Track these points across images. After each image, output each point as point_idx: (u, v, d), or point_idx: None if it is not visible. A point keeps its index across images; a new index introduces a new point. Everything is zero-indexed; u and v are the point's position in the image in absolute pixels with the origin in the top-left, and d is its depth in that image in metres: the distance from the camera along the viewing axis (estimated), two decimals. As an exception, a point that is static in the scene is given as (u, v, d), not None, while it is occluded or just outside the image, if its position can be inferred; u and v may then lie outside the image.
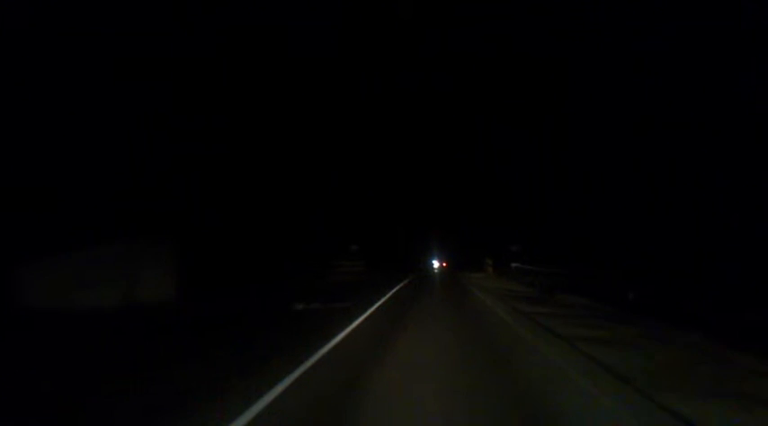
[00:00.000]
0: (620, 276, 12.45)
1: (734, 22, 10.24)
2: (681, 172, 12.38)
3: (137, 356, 5.34)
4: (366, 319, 8.08)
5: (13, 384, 4.27)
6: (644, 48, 13.12)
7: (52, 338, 6.73)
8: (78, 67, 10.16)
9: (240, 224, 15.23)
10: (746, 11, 9.85)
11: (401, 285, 17.84)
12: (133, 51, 11.16)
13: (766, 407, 3.41)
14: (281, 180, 18.42)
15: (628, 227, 14.64)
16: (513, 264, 22.41)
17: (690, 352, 5.32)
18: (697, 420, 3.12)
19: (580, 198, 18.38)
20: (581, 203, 18.17)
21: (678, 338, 6.17)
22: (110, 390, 3.95)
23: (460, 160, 38.42)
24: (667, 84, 12.49)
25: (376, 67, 26.09)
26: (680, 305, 8.94)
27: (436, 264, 44.84)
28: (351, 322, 7.53)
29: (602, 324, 7.46)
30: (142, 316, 8.74)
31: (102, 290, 9.51)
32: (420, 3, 22.40)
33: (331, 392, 3.79)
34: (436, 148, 40.16)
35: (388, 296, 12.80)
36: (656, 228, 13.20)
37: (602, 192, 16.39)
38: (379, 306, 10.11)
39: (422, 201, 43.69)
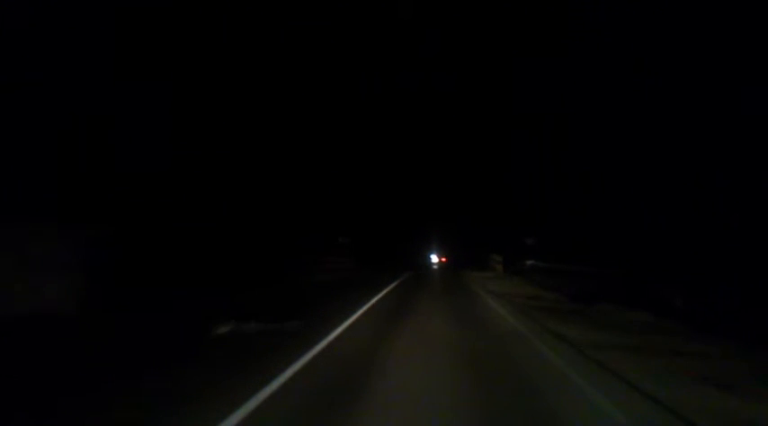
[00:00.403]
0: (655, 277, 10.65)
1: (734, 21, 10.25)
2: (681, 172, 12.38)
3: None
4: (325, 351, 5.44)
5: None
6: (644, 48, 13.14)
7: None
8: (78, 66, 10.15)
9: (236, 221, 15.21)
10: (746, 11, 9.86)
11: (393, 286, 15.56)
12: (133, 50, 11.15)
13: None
14: (280, 179, 18.42)
15: (628, 227, 14.65)
16: (529, 262, 19.57)
17: None
18: None
19: (580, 197, 18.39)
20: (581, 203, 18.18)
21: None
22: None
23: (460, 160, 38.52)
24: (667, 84, 12.50)
25: (376, 67, 26.11)
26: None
27: (435, 259, 44.86)
28: (297, 358, 4.92)
29: (730, 378, 4.37)
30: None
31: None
32: (420, 3, 22.42)
33: None
34: (436, 148, 40.25)
35: (372, 302, 10.44)
36: (656, 227, 13.19)
37: (601, 192, 16.40)
38: (351, 326, 7.23)
39: (422, 200, 43.83)
